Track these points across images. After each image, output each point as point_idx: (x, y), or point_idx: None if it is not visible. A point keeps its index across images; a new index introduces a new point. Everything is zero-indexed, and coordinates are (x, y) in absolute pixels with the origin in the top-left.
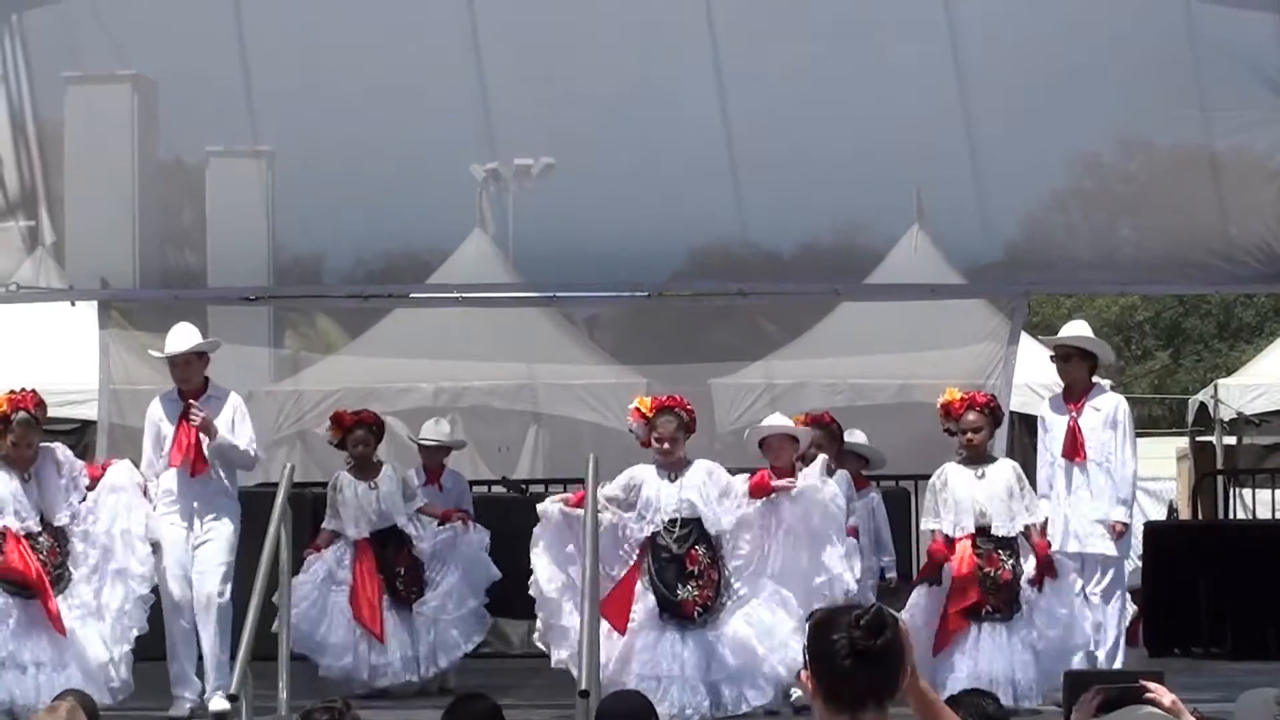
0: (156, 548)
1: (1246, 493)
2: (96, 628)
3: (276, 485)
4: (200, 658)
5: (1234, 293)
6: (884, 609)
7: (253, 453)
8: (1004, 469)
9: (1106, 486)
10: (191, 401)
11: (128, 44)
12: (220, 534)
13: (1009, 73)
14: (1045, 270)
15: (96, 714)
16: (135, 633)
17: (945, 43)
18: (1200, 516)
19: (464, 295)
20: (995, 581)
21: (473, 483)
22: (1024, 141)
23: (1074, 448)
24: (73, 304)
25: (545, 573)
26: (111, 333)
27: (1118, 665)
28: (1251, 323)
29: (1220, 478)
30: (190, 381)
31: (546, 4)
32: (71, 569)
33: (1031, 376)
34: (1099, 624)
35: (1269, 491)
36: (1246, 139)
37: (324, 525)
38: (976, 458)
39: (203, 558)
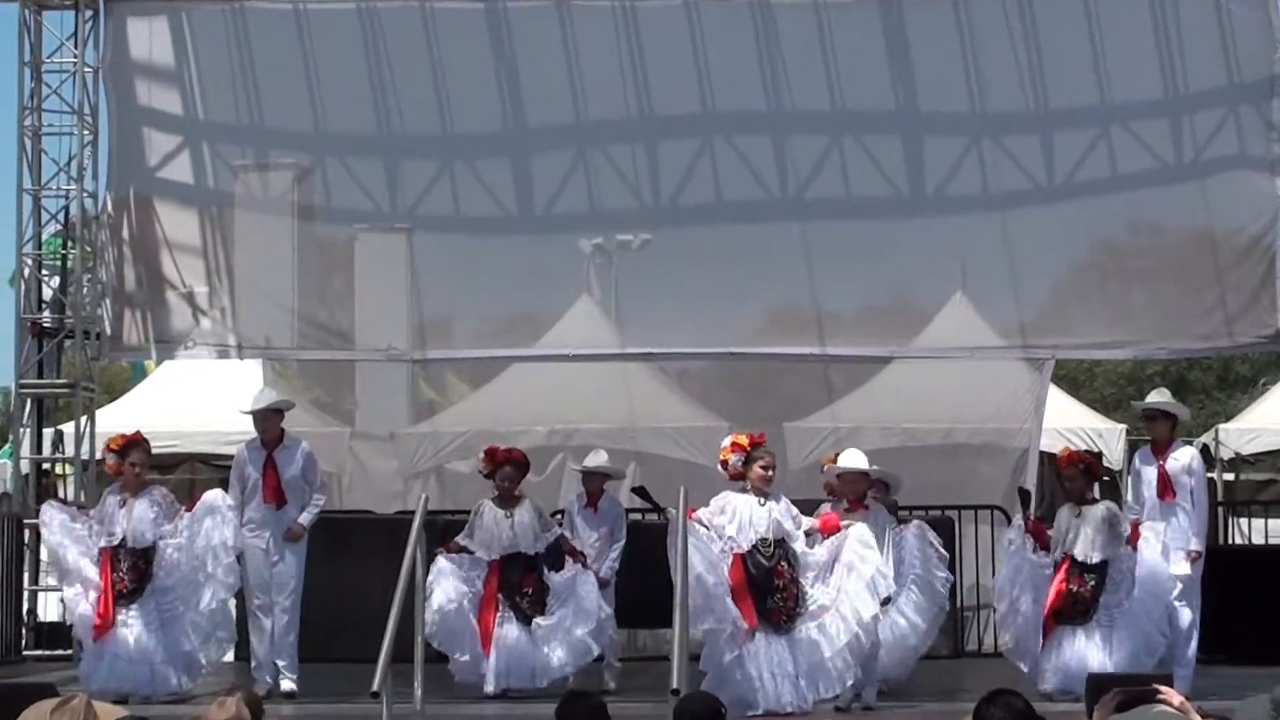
0: (241, 558)
1: (1244, 522)
2: (184, 624)
3: (413, 513)
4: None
5: (1231, 354)
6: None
7: (325, 489)
8: (1097, 508)
9: (1185, 522)
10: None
11: (289, 136)
12: (290, 557)
13: (1035, 168)
14: (1067, 333)
15: (260, 709)
16: (221, 629)
17: (982, 137)
18: None
19: (575, 354)
20: (1076, 596)
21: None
22: (1049, 225)
23: (1165, 489)
24: (240, 359)
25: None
26: (274, 382)
27: (1192, 650)
28: (1247, 375)
29: (1221, 509)
30: (269, 431)
31: (644, 113)
32: (157, 576)
33: (1058, 422)
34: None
35: (1263, 521)
36: (1240, 222)
37: (458, 538)
38: (1076, 499)
39: (279, 574)
